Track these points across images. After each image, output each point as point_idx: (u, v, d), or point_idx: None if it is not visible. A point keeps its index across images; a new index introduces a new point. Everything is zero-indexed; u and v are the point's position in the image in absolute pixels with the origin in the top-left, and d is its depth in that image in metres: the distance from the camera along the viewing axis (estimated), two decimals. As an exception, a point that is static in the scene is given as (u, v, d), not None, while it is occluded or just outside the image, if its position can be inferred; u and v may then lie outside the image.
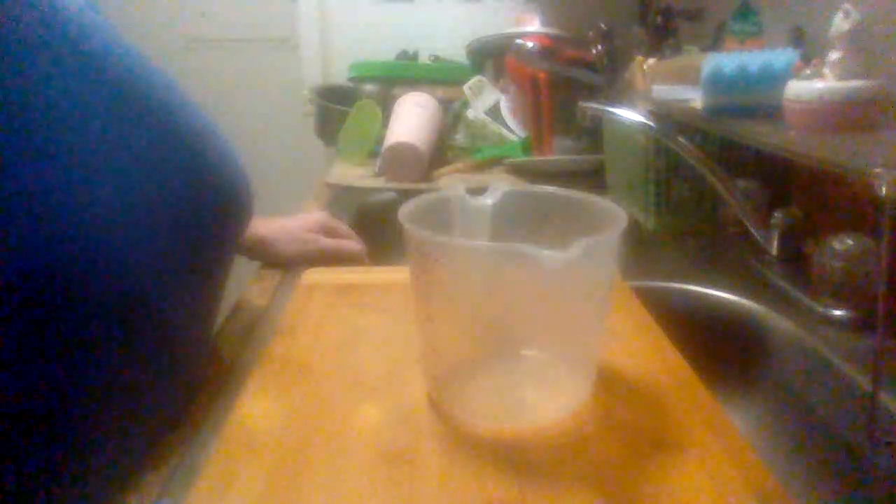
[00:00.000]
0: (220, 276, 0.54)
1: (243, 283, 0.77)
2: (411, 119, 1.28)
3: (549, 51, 1.28)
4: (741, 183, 0.85)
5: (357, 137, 1.38)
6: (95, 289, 0.38)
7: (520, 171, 1.26)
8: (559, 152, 1.25)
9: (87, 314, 0.38)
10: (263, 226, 0.80)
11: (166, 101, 0.47)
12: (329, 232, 0.83)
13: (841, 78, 0.62)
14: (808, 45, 0.86)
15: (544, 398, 0.49)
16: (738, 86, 0.75)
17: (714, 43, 1.10)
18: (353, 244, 0.83)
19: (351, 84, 1.62)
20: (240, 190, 0.53)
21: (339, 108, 1.47)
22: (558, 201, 0.51)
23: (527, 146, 1.30)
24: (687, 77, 0.91)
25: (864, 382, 0.56)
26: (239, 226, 0.56)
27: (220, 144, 0.52)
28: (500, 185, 0.52)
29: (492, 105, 1.43)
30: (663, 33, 1.18)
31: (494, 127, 1.37)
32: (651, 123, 0.78)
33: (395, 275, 0.69)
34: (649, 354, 0.54)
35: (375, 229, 0.95)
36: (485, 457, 0.42)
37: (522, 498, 0.38)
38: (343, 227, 0.85)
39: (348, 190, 1.19)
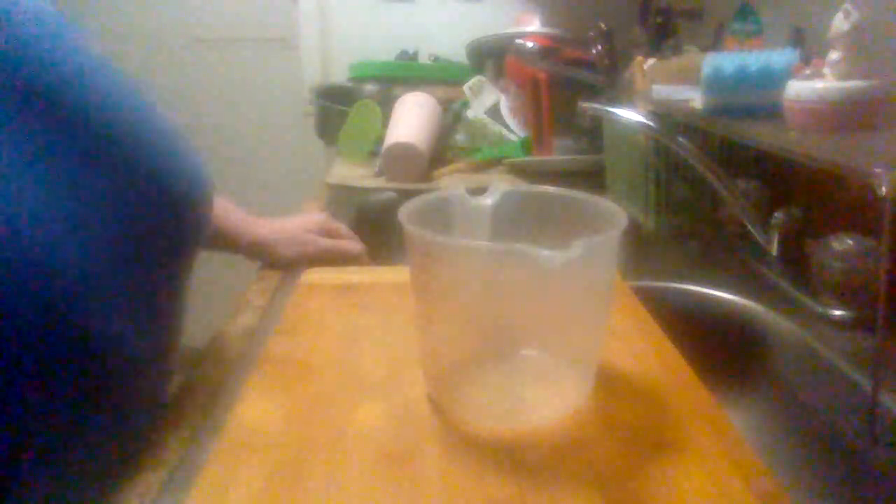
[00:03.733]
0: (172, 290, 0.49)
1: (243, 283, 0.77)
2: (411, 119, 1.28)
3: (549, 51, 1.28)
4: (741, 183, 0.85)
5: (357, 137, 1.38)
6: (17, 305, 0.34)
7: (520, 171, 1.26)
8: (559, 152, 1.25)
9: (8, 336, 0.34)
10: (263, 227, 0.80)
11: (109, 109, 0.43)
12: (328, 233, 0.83)
13: (841, 78, 0.62)
14: (808, 45, 0.86)
15: (544, 398, 0.49)
16: (738, 86, 0.75)
17: (714, 43, 1.10)
18: (353, 244, 0.83)
19: (351, 84, 1.62)
20: (194, 199, 0.48)
21: (339, 108, 1.47)
22: (558, 201, 0.51)
23: (527, 146, 1.30)
24: (687, 77, 0.91)
25: (864, 382, 0.56)
26: (192, 240, 0.50)
27: (174, 150, 0.47)
28: (500, 185, 0.52)
29: (492, 105, 1.43)
30: (663, 33, 1.18)
31: (494, 127, 1.37)
32: (651, 123, 0.78)
33: (395, 275, 0.69)
34: (649, 354, 0.54)
35: (375, 229, 0.95)
36: (485, 457, 0.42)
37: (522, 498, 0.38)
38: (342, 227, 0.85)
39: (348, 190, 1.19)
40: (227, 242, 0.77)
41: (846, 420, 0.58)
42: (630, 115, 0.81)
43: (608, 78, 1.13)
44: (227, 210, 0.77)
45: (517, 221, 0.51)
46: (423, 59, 1.74)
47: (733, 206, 0.74)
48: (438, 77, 1.59)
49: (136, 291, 0.44)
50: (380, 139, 1.28)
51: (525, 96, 1.30)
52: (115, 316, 0.41)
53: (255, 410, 0.47)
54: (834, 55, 0.62)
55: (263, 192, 1.94)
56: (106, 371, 0.41)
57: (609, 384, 0.49)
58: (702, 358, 0.55)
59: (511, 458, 0.42)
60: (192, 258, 0.52)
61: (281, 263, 0.80)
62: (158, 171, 0.45)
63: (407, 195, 0.52)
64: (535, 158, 1.26)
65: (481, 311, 0.47)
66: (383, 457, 0.42)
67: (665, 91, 0.93)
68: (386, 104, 1.38)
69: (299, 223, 0.83)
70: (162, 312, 0.48)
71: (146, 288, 0.45)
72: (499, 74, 1.50)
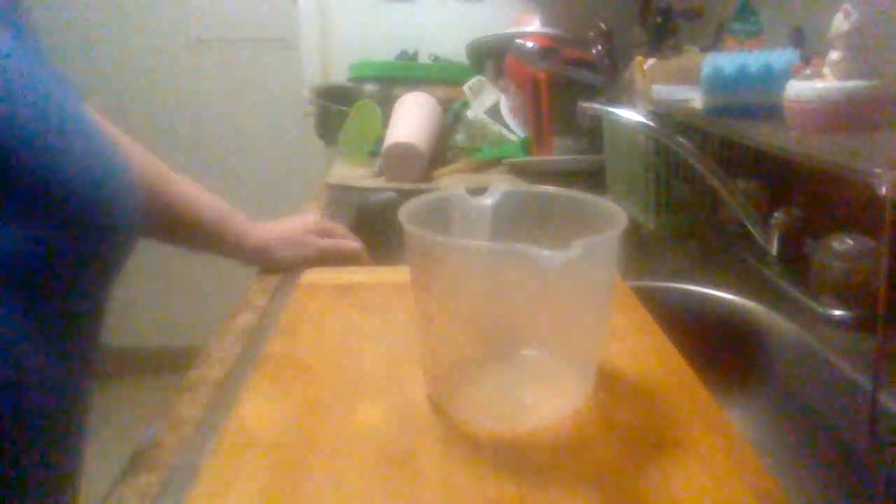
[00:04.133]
0: (81, 316, 0.40)
1: (243, 283, 0.77)
2: (411, 119, 1.28)
3: (549, 51, 1.28)
4: (741, 183, 0.85)
5: (357, 137, 1.38)
6: None
7: (520, 171, 1.26)
8: (559, 152, 1.25)
9: None
10: (262, 230, 0.79)
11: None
12: (326, 233, 0.83)
13: (841, 78, 0.62)
14: (808, 45, 0.86)
15: (544, 398, 0.49)
16: (738, 86, 0.75)
17: (714, 43, 1.10)
18: (352, 244, 0.83)
19: (351, 84, 1.62)
20: (109, 220, 0.38)
21: (339, 108, 1.47)
22: (558, 201, 0.51)
23: (527, 146, 1.30)
24: (687, 77, 0.91)
25: (864, 382, 0.56)
26: (108, 266, 0.41)
27: (89, 163, 0.37)
28: (500, 185, 0.52)
29: (492, 105, 1.43)
30: (663, 33, 1.18)
31: (494, 127, 1.37)
32: (651, 123, 0.78)
33: (395, 275, 0.69)
34: (649, 354, 0.54)
35: (375, 229, 0.95)
36: (485, 457, 0.42)
37: (522, 498, 0.38)
38: (340, 227, 0.85)
39: (348, 190, 1.19)
40: (227, 248, 0.77)
41: (846, 420, 0.58)
42: (630, 115, 0.81)
43: (608, 78, 1.13)
44: (225, 215, 0.77)
45: (517, 221, 0.51)
46: (423, 59, 1.74)
47: (733, 206, 0.74)
48: (438, 77, 1.59)
49: (39, 319, 0.36)
50: (380, 139, 1.28)
51: (525, 96, 1.30)
52: (13, 348, 0.34)
53: (255, 410, 0.47)
54: (834, 55, 0.62)
55: (263, 192, 1.94)
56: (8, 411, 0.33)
57: (609, 384, 0.49)
58: (702, 358, 0.55)
59: (511, 458, 0.42)
60: (108, 284, 0.42)
61: (282, 266, 0.80)
62: (68, 189, 0.36)
63: (407, 195, 0.52)
64: (535, 158, 1.26)
65: (481, 311, 0.47)
66: (383, 457, 0.42)
67: (665, 91, 0.93)
68: (386, 104, 1.38)
69: (298, 224, 0.83)
70: (71, 341, 0.40)
71: (50, 315, 0.37)
72: (499, 74, 1.50)
